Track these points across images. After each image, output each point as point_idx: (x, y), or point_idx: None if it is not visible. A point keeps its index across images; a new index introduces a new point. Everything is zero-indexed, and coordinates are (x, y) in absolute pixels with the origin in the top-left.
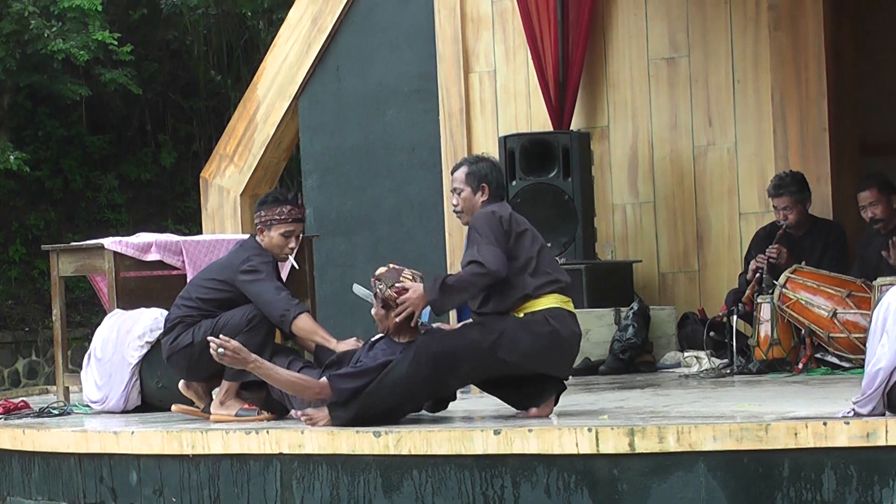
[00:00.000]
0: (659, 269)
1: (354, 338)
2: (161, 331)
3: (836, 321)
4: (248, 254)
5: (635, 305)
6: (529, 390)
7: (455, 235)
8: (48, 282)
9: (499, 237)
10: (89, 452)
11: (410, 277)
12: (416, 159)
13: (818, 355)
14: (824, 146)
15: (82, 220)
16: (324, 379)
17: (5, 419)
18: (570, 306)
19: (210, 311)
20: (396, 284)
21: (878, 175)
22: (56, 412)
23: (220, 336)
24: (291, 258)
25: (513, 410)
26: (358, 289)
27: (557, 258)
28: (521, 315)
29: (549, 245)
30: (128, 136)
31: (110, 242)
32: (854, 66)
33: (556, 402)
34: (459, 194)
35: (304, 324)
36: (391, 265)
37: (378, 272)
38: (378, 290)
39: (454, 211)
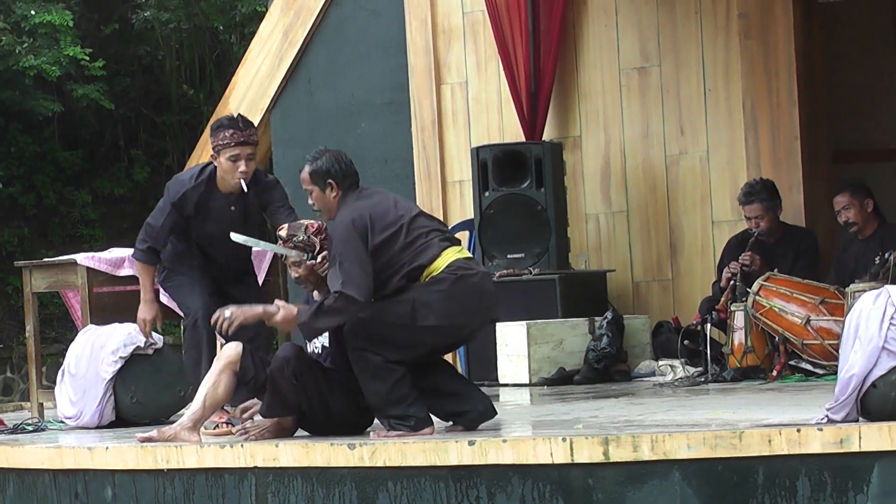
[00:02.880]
0: (632, 278)
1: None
2: (134, 346)
3: (809, 328)
4: (183, 181)
5: (609, 315)
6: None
7: None
8: (22, 298)
9: (359, 250)
10: (64, 468)
11: (315, 226)
12: (388, 171)
13: (792, 362)
14: (796, 154)
15: (56, 236)
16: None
17: None
18: (465, 253)
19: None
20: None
21: (852, 180)
22: (30, 428)
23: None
24: (243, 183)
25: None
26: (236, 237)
27: (530, 269)
28: (426, 280)
29: (522, 255)
30: (101, 151)
31: (83, 258)
32: (825, 74)
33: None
34: (311, 194)
35: (138, 268)
36: (287, 225)
37: (282, 233)
38: (301, 244)
39: (313, 210)
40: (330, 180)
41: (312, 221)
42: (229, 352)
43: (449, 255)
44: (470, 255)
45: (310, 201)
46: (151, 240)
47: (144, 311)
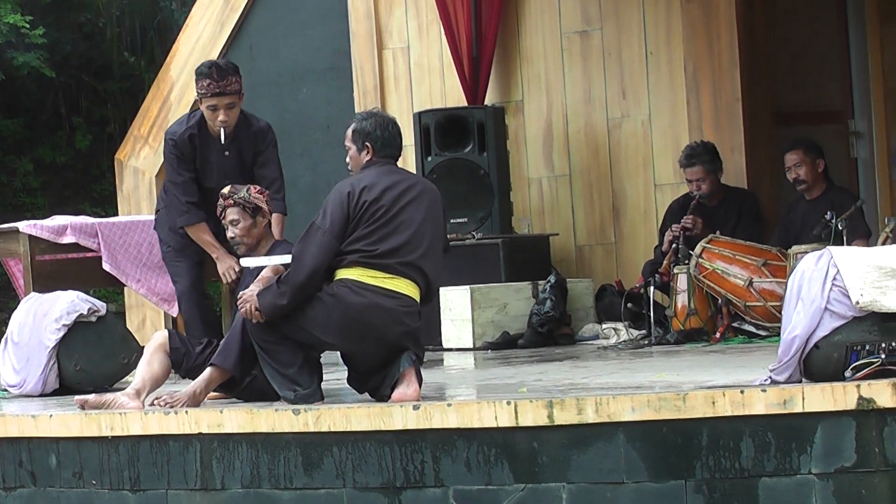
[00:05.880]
0: (576, 241)
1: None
2: (77, 314)
3: (752, 290)
4: (173, 130)
5: (552, 278)
6: (378, 376)
7: None
8: None
9: (336, 220)
10: (7, 437)
11: (257, 188)
12: (331, 137)
13: (735, 324)
14: (738, 116)
15: None
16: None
17: None
18: (379, 281)
19: None
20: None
21: (805, 138)
22: None
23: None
24: (223, 131)
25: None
26: (247, 261)
27: (473, 233)
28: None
29: (465, 220)
30: (42, 119)
31: (25, 226)
32: (766, 36)
33: (420, 379)
34: (348, 152)
35: (191, 232)
36: (228, 187)
37: (225, 191)
38: (241, 200)
39: (348, 169)
40: (368, 143)
41: (255, 186)
42: (156, 336)
43: (363, 273)
44: (401, 290)
45: (346, 159)
46: (183, 195)
47: (224, 265)
